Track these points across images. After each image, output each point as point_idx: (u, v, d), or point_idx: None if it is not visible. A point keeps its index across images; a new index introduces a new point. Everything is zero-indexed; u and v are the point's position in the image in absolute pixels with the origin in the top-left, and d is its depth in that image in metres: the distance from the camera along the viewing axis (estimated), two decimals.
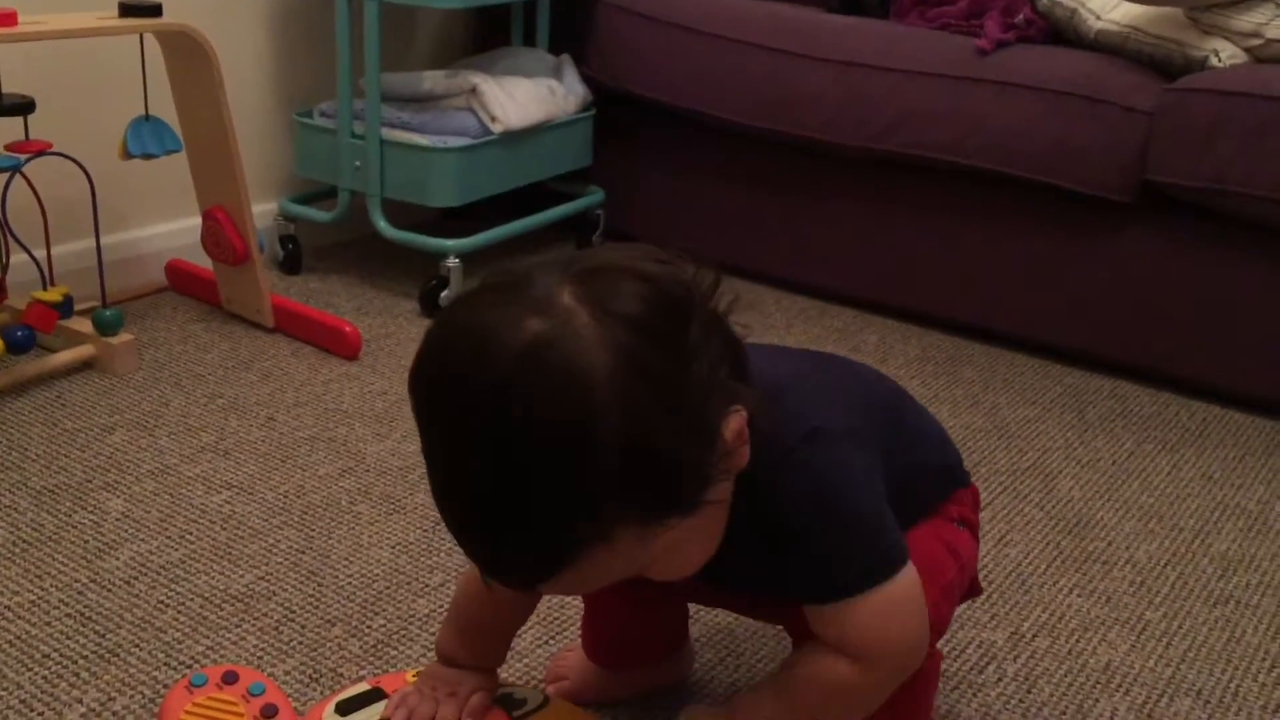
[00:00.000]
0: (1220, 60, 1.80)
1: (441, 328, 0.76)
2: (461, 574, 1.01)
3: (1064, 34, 1.96)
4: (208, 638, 1.17)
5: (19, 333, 1.61)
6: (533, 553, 0.74)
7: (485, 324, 0.73)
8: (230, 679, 1.01)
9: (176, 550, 1.31)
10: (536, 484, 0.71)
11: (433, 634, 1.19)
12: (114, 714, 1.06)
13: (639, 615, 1.05)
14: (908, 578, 0.85)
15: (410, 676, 1.02)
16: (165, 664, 1.13)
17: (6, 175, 1.59)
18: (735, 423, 0.77)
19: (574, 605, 1.25)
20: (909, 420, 0.98)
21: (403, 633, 1.19)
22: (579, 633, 1.18)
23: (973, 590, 1.04)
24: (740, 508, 0.82)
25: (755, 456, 0.80)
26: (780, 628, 1.15)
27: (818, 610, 0.86)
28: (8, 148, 1.59)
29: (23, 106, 1.59)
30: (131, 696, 1.09)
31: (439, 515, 0.78)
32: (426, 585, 1.27)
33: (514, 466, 0.71)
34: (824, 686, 0.87)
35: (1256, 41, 1.82)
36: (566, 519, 0.72)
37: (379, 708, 0.99)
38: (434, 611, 1.23)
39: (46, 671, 1.11)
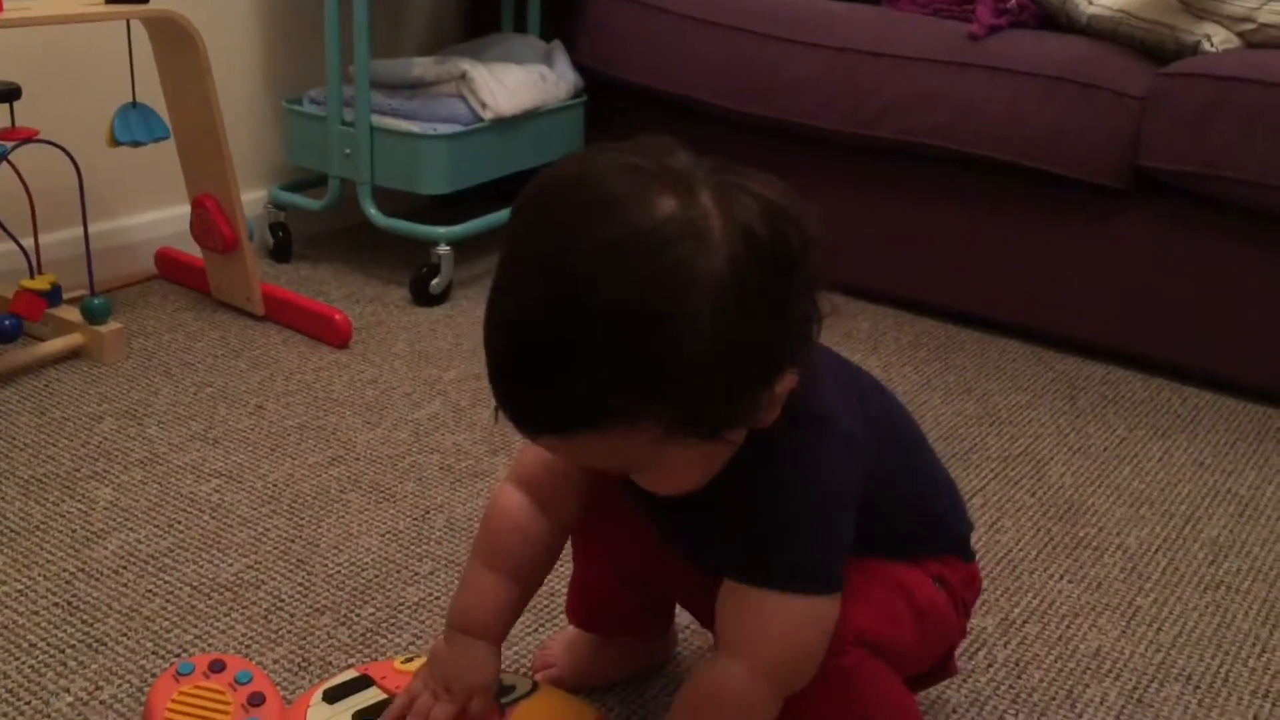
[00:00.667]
0: (1213, 45, 1.80)
1: (582, 166, 0.75)
2: (495, 505, 0.97)
3: (1056, 19, 1.95)
4: (196, 626, 1.17)
5: (7, 321, 1.61)
6: (565, 402, 0.73)
7: (623, 184, 0.73)
8: (217, 667, 1.01)
9: (165, 539, 1.30)
10: (605, 344, 0.71)
11: (422, 622, 1.19)
12: (101, 703, 1.06)
13: (627, 587, 1.06)
14: (830, 607, 0.84)
15: (398, 664, 1.02)
16: (153, 653, 1.13)
17: None
18: (788, 381, 0.78)
19: (562, 592, 1.24)
20: (918, 457, 0.97)
21: (392, 621, 1.19)
22: (564, 622, 1.18)
23: (944, 670, 1.02)
24: (733, 468, 0.82)
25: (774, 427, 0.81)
26: None
27: (734, 589, 0.84)
28: None
29: (8, 93, 1.58)
30: (119, 685, 1.08)
31: (486, 360, 0.76)
32: (416, 574, 1.27)
33: (594, 318, 0.70)
34: (715, 700, 0.85)
35: (1249, 26, 1.81)
36: (612, 388, 0.72)
37: (366, 695, 0.99)
38: (423, 600, 1.22)
39: (34, 660, 1.11)
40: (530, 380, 0.74)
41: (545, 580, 1.26)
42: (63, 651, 1.12)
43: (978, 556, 1.02)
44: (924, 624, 0.93)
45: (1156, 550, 1.39)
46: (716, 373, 0.73)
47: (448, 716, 0.92)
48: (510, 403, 0.76)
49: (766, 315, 0.74)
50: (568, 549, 1.04)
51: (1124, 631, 1.24)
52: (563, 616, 1.21)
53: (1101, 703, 1.14)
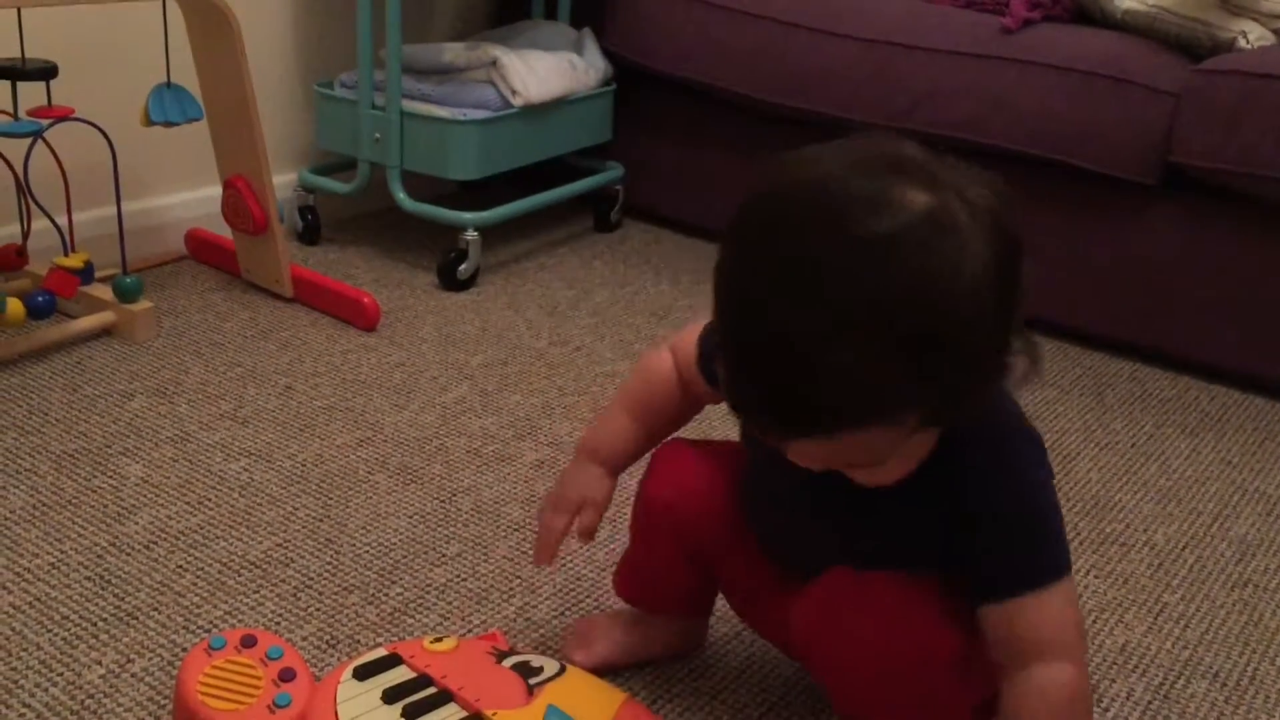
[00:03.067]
0: (1248, 42, 1.79)
1: (814, 170, 0.75)
2: (648, 363, 1.06)
3: (1090, 14, 1.94)
4: (226, 602, 1.18)
5: (40, 298, 1.62)
6: (848, 399, 0.73)
7: (873, 182, 0.73)
8: (249, 643, 1.01)
9: (195, 516, 1.31)
10: (890, 334, 0.71)
11: (449, 603, 1.20)
12: (133, 675, 1.07)
13: (684, 566, 1.06)
14: (1072, 577, 0.87)
15: (427, 643, 1.03)
16: (184, 627, 1.14)
17: (29, 140, 1.59)
18: (1016, 368, 0.79)
19: (589, 576, 1.25)
20: None
21: (419, 601, 1.20)
22: (593, 607, 1.19)
23: None
24: (926, 470, 0.83)
25: (966, 431, 0.82)
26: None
27: (1014, 603, 0.84)
28: (30, 113, 1.59)
29: (45, 72, 1.59)
30: (150, 659, 1.09)
31: (733, 358, 0.77)
32: (443, 555, 1.27)
33: (878, 309, 0.70)
34: (1060, 702, 0.86)
35: None
36: (896, 377, 0.72)
37: (396, 674, 0.99)
38: (450, 581, 1.23)
39: (66, 633, 1.12)
40: (811, 382, 0.73)
41: (572, 565, 1.28)
42: (94, 625, 1.13)
43: None
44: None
45: (1184, 547, 1.39)
46: (985, 355, 0.75)
47: (560, 523, 1.04)
48: (775, 407, 0.75)
49: (1013, 299, 0.75)
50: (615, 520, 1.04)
51: (1151, 627, 1.24)
52: (591, 599, 1.21)
53: (1128, 698, 1.14)
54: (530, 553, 1.28)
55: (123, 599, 1.17)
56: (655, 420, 1.06)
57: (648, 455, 1.08)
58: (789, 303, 0.72)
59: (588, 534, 1.06)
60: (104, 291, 1.71)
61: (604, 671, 1.08)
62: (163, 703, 1.04)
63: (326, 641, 1.13)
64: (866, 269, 0.71)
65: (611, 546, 1.30)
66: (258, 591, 1.20)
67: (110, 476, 1.37)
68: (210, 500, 1.34)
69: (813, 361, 0.72)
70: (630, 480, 1.10)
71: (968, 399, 0.77)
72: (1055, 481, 0.88)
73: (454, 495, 1.38)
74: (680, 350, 1.03)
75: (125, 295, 1.69)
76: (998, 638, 0.86)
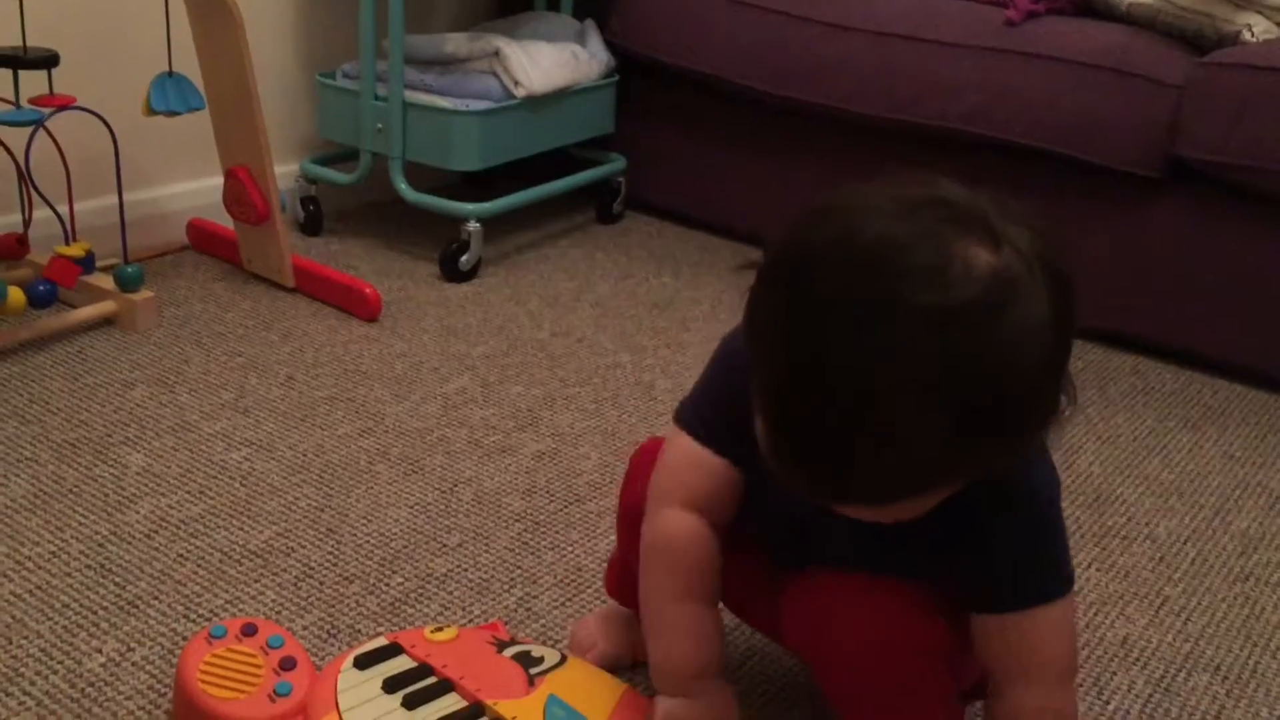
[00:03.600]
0: (1253, 35, 1.78)
1: (860, 219, 0.70)
2: (671, 536, 0.93)
3: (1094, 6, 1.94)
4: (227, 591, 1.18)
5: (41, 287, 1.62)
6: (891, 482, 0.72)
7: (932, 247, 0.68)
8: (249, 631, 1.01)
9: (196, 505, 1.31)
10: (946, 418, 0.68)
11: (450, 593, 1.20)
12: (133, 664, 1.07)
13: None
14: (1072, 595, 0.87)
15: (428, 633, 1.03)
16: (184, 616, 1.14)
17: (30, 129, 1.59)
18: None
19: (590, 567, 1.25)
20: None
21: (420, 591, 1.20)
22: (593, 598, 1.19)
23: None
24: None
25: None
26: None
27: (1009, 620, 0.85)
28: (31, 101, 1.59)
29: (46, 60, 1.58)
30: (151, 647, 1.09)
31: (777, 430, 0.73)
32: (444, 545, 1.27)
33: (935, 392, 0.68)
34: None
35: None
36: (947, 460, 0.71)
37: (397, 663, 0.99)
38: (451, 571, 1.23)
39: (66, 621, 1.12)
40: (872, 462, 0.70)
41: (573, 556, 1.28)
42: (95, 613, 1.13)
43: None
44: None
45: (1185, 541, 1.39)
46: (1040, 420, 0.73)
47: None
48: (821, 480, 0.73)
49: (1069, 344, 0.74)
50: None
51: (1152, 621, 1.24)
52: (591, 590, 1.21)
53: (1129, 691, 1.14)
54: (532, 543, 1.28)
55: (123, 587, 1.17)
56: (715, 587, 0.94)
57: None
58: (846, 375, 0.69)
59: None
60: (105, 281, 1.70)
61: (610, 666, 1.07)
62: (163, 691, 1.04)
63: (327, 631, 1.13)
64: (935, 342, 0.67)
65: (612, 537, 1.29)
66: (258, 581, 1.20)
67: (111, 465, 1.37)
68: (211, 490, 1.34)
69: (869, 434, 0.69)
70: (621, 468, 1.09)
71: (1022, 454, 0.77)
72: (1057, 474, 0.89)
73: (455, 486, 1.38)
74: (684, 491, 0.93)
75: (127, 285, 1.69)
76: (991, 649, 0.86)
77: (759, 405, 0.75)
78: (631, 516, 1.01)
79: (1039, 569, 0.85)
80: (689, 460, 0.92)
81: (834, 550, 0.91)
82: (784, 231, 0.74)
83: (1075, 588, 0.87)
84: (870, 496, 0.74)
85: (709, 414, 0.92)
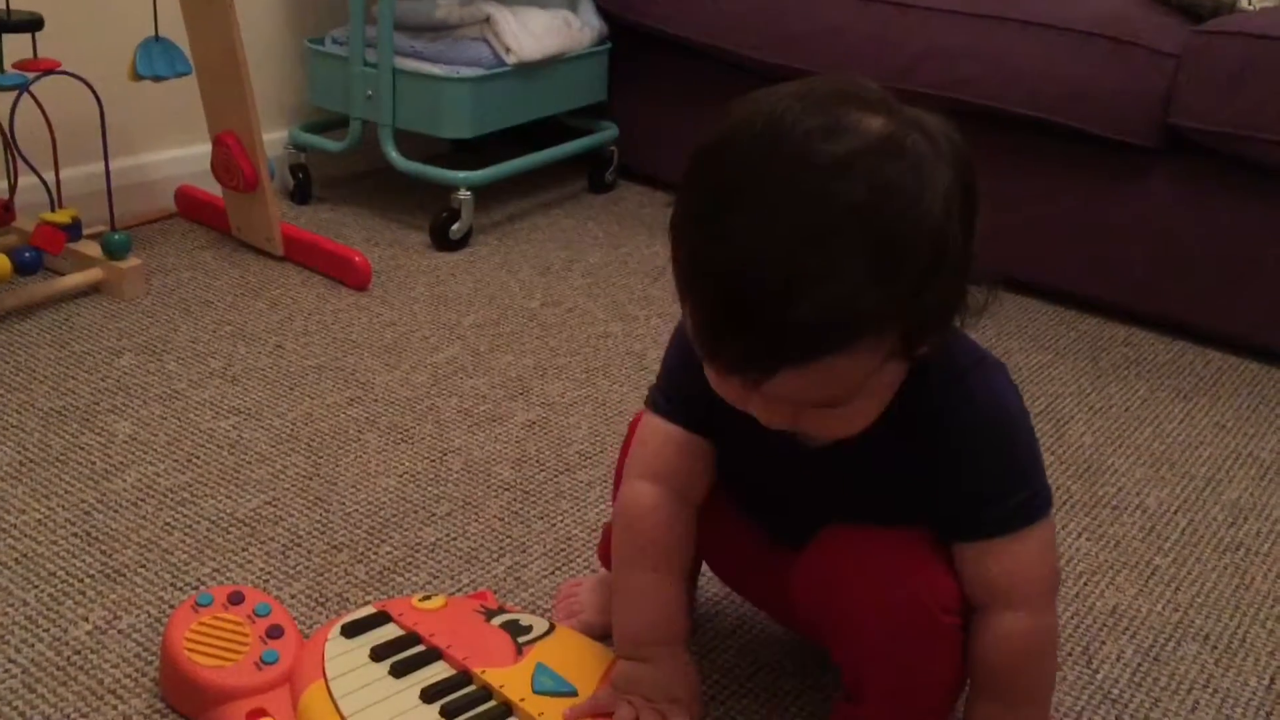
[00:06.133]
0: (1251, 3, 1.77)
1: (765, 102, 0.75)
2: (632, 506, 0.95)
3: None
4: (214, 560, 1.17)
5: (27, 254, 1.60)
6: (823, 318, 0.72)
7: (825, 113, 0.73)
8: (236, 599, 1.01)
9: (183, 474, 1.30)
10: (860, 248, 0.71)
11: (439, 562, 1.19)
12: (120, 632, 1.07)
13: None
14: (1052, 515, 0.87)
15: (416, 601, 1.02)
16: (171, 584, 1.13)
17: (14, 94, 1.57)
18: (974, 299, 0.79)
19: (580, 537, 1.24)
20: None
21: (409, 560, 1.19)
22: (582, 567, 1.18)
23: None
24: (895, 412, 0.82)
25: (929, 366, 0.81)
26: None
27: (989, 546, 0.85)
28: (16, 66, 1.57)
29: (31, 23, 1.57)
30: (137, 615, 1.09)
31: (690, 291, 0.77)
32: (433, 514, 1.27)
33: (847, 224, 0.71)
34: (1017, 652, 0.87)
35: None
36: (868, 292, 0.71)
37: (384, 631, 0.99)
38: (440, 540, 1.22)
39: (52, 589, 1.11)
40: (783, 299, 0.71)
41: (562, 525, 1.27)
42: (81, 581, 1.13)
43: None
44: None
45: (1176, 511, 1.38)
46: (952, 273, 0.74)
47: None
48: (751, 336, 0.74)
49: (973, 223, 0.75)
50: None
51: (1141, 590, 1.24)
52: (581, 559, 1.21)
53: (1118, 659, 1.14)
54: (521, 512, 1.28)
55: (110, 555, 1.16)
56: (683, 558, 0.96)
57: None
58: (754, 225, 0.72)
59: None
60: (92, 248, 1.69)
61: (600, 634, 1.07)
62: (149, 659, 1.04)
63: (315, 599, 1.13)
64: (828, 184, 0.71)
65: (602, 506, 1.29)
66: (246, 549, 1.19)
67: (98, 433, 1.36)
68: (199, 458, 1.33)
69: (783, 278, 0.71)
70: (611, 438, 1.09)
71: (935, 319, 0.77)
72: (1047, 444, 0.88)
73: (444, 455, 1.38)
74: (649, 462, 0.95)
75: (114, 252, 1.67)
76: (969, 575, 0.86)
77: (681, 294, 0.78)
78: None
79: (1014, 488, 0.85)
80: (655, 436, 0.95)
81: (814, 502, 0.91)
82: (698, 136, 0.77)
83: (1057, 522, 0.87)
84: (799, 350, 0.73)
85: (671, 391, 0.95)
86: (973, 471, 0.85)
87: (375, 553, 1.20)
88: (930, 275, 0.73)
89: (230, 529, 1.22)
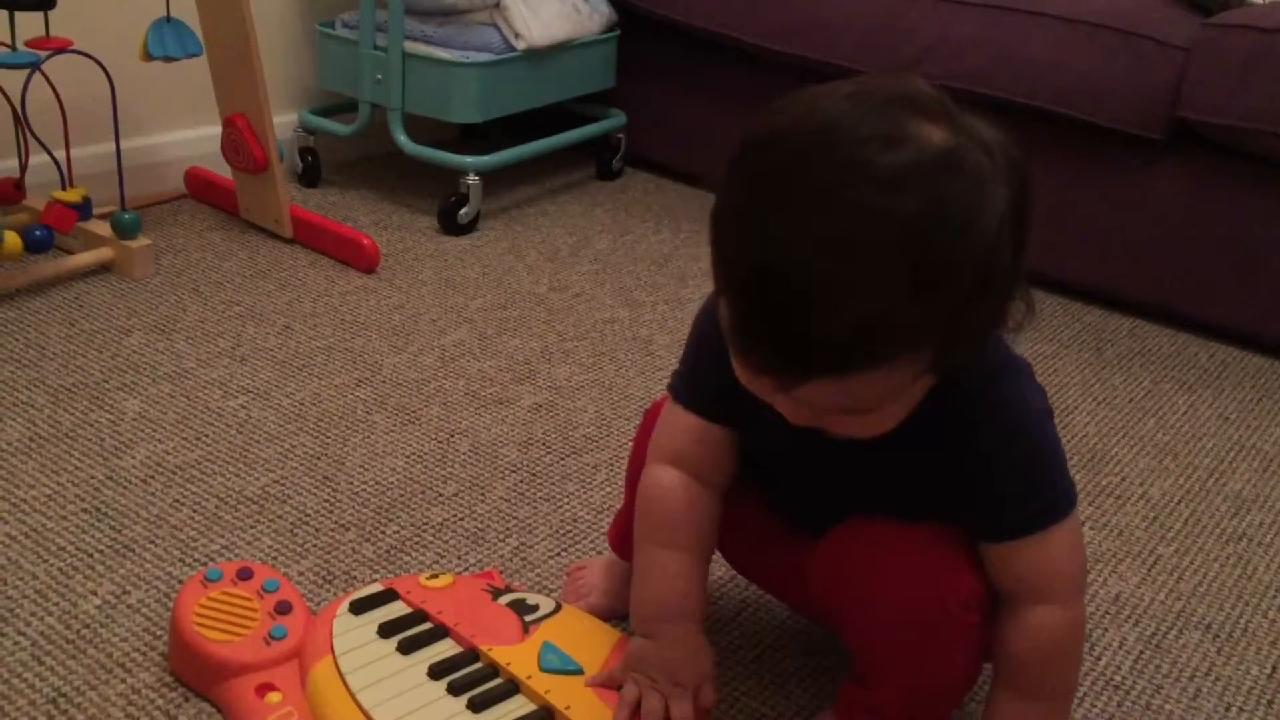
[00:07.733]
0: None
1: (820, 102, 0.73)
2: (653, 488, 0.95)
3: None
4: (223, 537, 1.18)
5: (38, 232, 1.61)
6: (848, 338, 0.70)
7: (885, 121, 0.71)
8: (245, 575, 1.02)
9: (192, 451, 1.31)
10: (905, 263, 0.69)
11: (445, 542, 1.20)
12: (129, 606, 1.07)
13: None
14: (1077, 512, 0.88)
15: (423, 580, 1.03)
16: (180, 560, 1.14)
17: (26, 72, 1.57)
18: (1015, 312, 0.78)
19: (586, 518, 1.25)
20: None
21: (416, 540, 1.20)
22: (588, 549, 1.19)
23: None
24: (923, 411, 0.81)
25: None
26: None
27: (1016, 545, 0.85)
28: (28, 44, 1.57)
29: (43, 2, 1.57)
30: (146, 590, 1.10)
31: (735, 297, 0.74)
32: (440, 495, 1.27)
33: (894, 238, 0.69)
34: (1047, 647, 0.87)
35: None
36: (910, 308, 0.70)
37: (392, 609, 1.00)
38: (447, 520, 1.23)
39: (62, 564, 1.12)
40: (828, 312, 0.70)
41: (568, 507, 1.28)
42: (90, 556, 1.13)
43: None
44: None
45: (1179, 501, 1.39)
46: (997, 293, 0.74)
47: (688, 714, 0.90)
48: (783, 342, 0.73)
49: (1025, 244, 0.74)
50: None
51: (1144, 579, 1.25)
52: (588, 540, 1.22)
53: (1120, 647, 1.14)
54: (528, 494, 1.29)
55: (119, 531, 1.17)
56: (703, 540, 0.96)
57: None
58: (796, 227, 0.70)
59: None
60: (102, 227, 1.70)
61: (608, 616, 1.07)
62: (158, 634, 1.04)
63: (323, 577, 1.14)
64: (881, 197, 0.68)
65: (608, 489, 1.30)
66: (254, 527, 1.20)
67: (107, 411, 1.37)
68: (207, 436, 1.34)
69: (829, 290, 0.69)
70: (630, 425, 1.09)
71: (976, 339, 0.77)
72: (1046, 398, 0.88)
73: (452, 436, 1.38)
74: (669, 448, 0.95)
75: (124, 231, 1.68)
76: (998, 571, 0.87)
77: (720, 287, 0.77)
78: (638, 473, 1.01)
79: (1040, 488, 0.85)
80: (679, 425, 0.95)
81: (835, 492, 0.92)
82: (746, 127, 0.76)
83: (1076, 510, 0.87)
84: (829, 363, 0.73)
85: (692, 381, 0.95)
86: (1001, 473, 0.85)
87: (383, 532, 1.21)
88: (974, 299, 0.72)
89: (239, 506, 1.22)
